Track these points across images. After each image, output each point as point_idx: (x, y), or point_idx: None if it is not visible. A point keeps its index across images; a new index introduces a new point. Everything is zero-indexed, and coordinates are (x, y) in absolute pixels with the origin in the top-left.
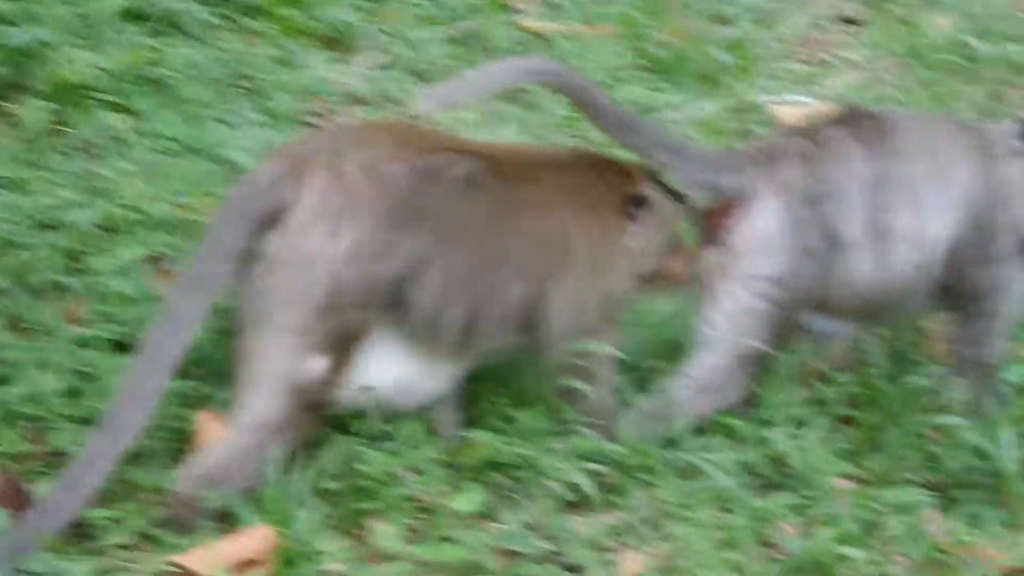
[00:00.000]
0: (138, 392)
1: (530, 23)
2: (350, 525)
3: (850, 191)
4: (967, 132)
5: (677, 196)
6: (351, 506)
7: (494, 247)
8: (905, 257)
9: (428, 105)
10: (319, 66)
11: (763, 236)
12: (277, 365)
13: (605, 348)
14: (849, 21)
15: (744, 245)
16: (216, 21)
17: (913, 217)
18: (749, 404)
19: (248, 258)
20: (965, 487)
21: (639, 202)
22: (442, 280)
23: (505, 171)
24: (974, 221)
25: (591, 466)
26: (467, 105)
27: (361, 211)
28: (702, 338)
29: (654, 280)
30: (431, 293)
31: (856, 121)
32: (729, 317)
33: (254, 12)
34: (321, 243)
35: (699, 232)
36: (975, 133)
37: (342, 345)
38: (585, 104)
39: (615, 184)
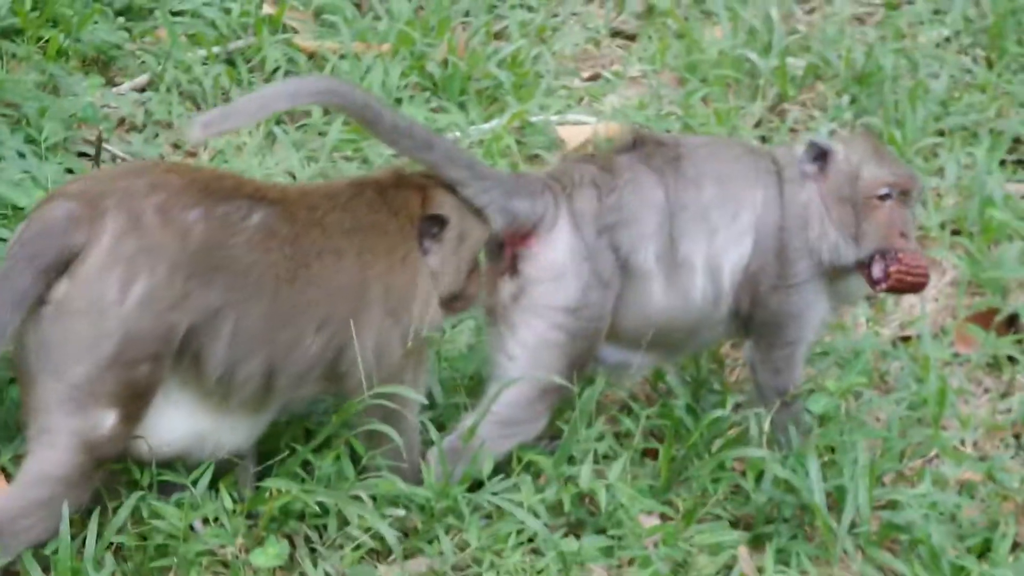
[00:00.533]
0: None
1: (304, 42)
2: None
3: (643, 219)
4: (759, 156)
5: (477, 212)
6: (145, 563)
7: (289, 298)
8: (700, 285)
9: (201, 133)
10: (85, 91)
11: (556, 265)
12: (65, 419)
13: (410, 392)
14: (624, 35)
15: (538, 274)
16: None
17: (707, 245)
18: (551, 438)
19: (36, 303)
20: (773, 521)
21: (436, 222)
22: (236, 332)
23: (297, 216)
24: (768, 247)
25: (395, 512)
26: (240, 129)
27: (157, 258)
28: (501, 371)
29: (455, 301)
30: (225, 345)
31: (647, 147)
32: (527, 348)
33: (14, 34)
34: (114, 291)
35: (492, 261)
36: (767, 157)
37: (132, 398)
38: (369, 122)
39: (407, 209)
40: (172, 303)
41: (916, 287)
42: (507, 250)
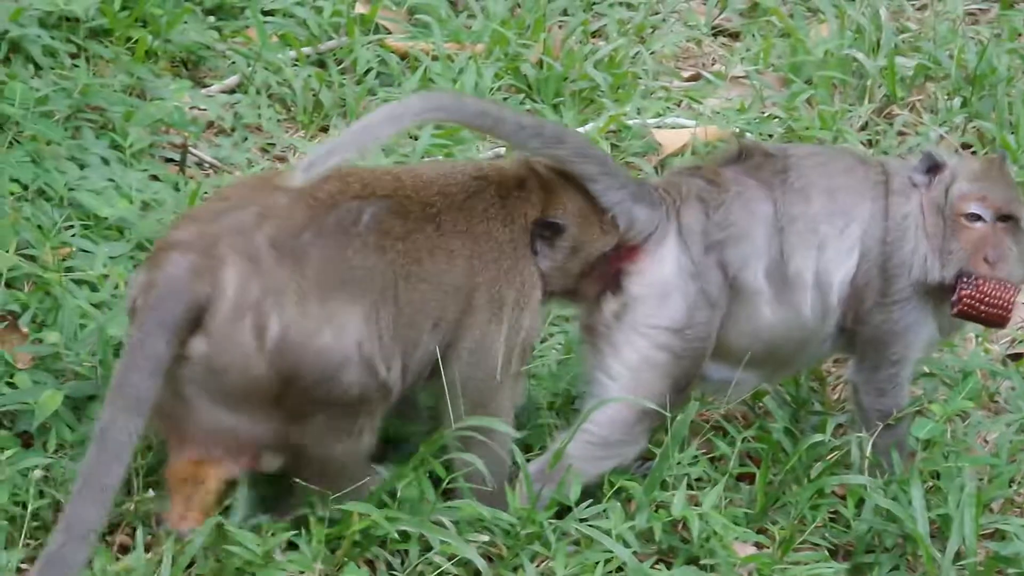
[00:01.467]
0: (78, 529)
1: (396, 43)
2: None
3: (752, 235)
4: (868, 166)
5: (601, 221)
6: None
7: (406, 295)
8: (810, 301)
9: (304, 177)
10: (172, 94)
11: (663, 283)
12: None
13: (500, 422)
14: (726, 34)
15: (643, 292)
16: (61, 47)
17: (816, 259)
18: (643, 461)
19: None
20: (874, 551)
21: (551, 228)
22: (380, 337)
23: (409, 211)
24: (873, 261)
25: (479, 537)
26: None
27: (282, 296)
28: (599, 390)
29: (568, 296)
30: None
31: (754, 158)
32: (628, 368)
33: (102, 36)
34: (250, 339)
35: (600, 277)
36: (876, 168)
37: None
38: (490, 128)
39: (524, 215)
40: (310, 332)
41: (991, 320)
42: (611, 266)
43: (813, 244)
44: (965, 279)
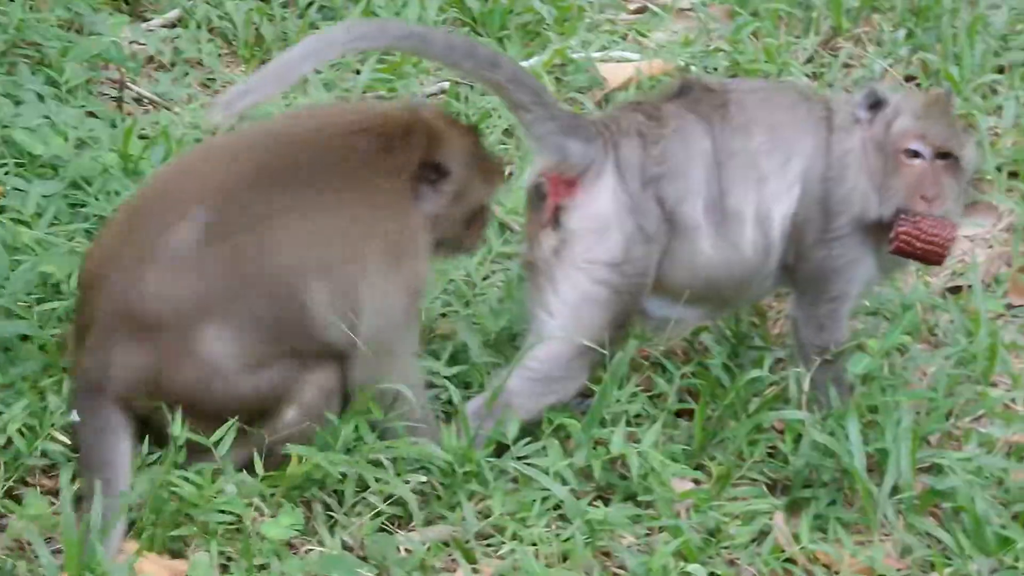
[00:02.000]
0: None
1: None
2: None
3: (691, 171)
4: (811, 102)
5: (490, 168)
6: (161, 531)
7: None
8: (750, 237)
9: (224, 115)
10: (110, 29)
11: (600, 217)
12: None
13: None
14: None
15: (581, 227)
16: None
17: (756, 194)
18: (582, 398)
19: None
20: (811, 486)
21: (436, 171)
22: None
23: (281, 180)
24: (814, 197)
25: (416, 477)
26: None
27: None
28: (539, 327)
29: (451, 248)
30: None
31: (696, 94)
32: (567, 304)
33: None
34: None
35: (534, 212)
36: (820, 104)
37: None
38: (419, 50)
39: (409, 163)
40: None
41: (927, 257)
42: (550, 201)
43: (753, 179)
44: (903, 216)
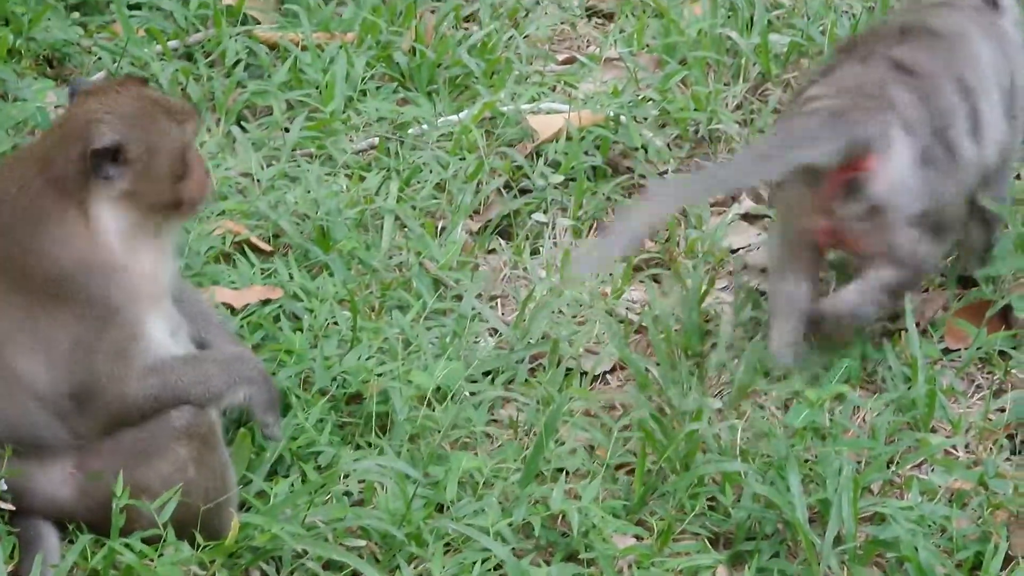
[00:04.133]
0: None
1: (265, 33)
2: None
3: (956, 108)
4: (988, 18)
5: (166, 102)
6: None
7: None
8: (992, 150)
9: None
10: (35, 94)
11: (901, 176)
12: None
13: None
14: (600, 15)
15: (888, 189)
16: None
17: (991, 109)
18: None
19: None
20: (754, 538)
21: (105, 154)
22: None
23: None
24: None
25: (354, 542)
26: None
27: None
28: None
29: (176, 208)
30: None
31: (916, 36)
32: (898, 247)
33: None
34: None
35: (814, 187)
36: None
37: None
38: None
39: (65, 151)
40: None
41: None
42: (835, 177)
43: (987, 97)
44: None
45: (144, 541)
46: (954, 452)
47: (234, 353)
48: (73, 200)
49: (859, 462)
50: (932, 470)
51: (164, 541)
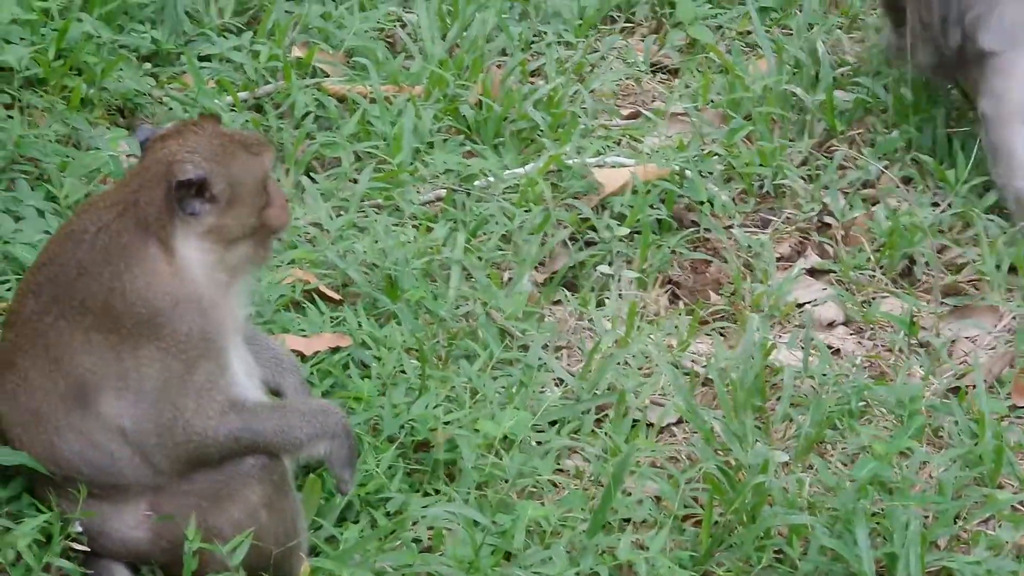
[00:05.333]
0: None
1: (333, 86)
2: None
3: None
4: None
5: (240, 136)
6: None
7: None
8: None
9: None
10: (108, 143)
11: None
12: None
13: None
14: (666, 71)
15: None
16: None
17: None
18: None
19: None
20: None
21: (190, 190)
22: None
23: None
24: None
25: None
26: None
27: None
28: None
29: (259, 238)
30: None
31: None
32: None
33: (36, 85)
34: None
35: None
36: None
37: None
38: None
39: (150, 192)
40: None
41: None
42: None
43: None
44: None
45: None
46: (1022, 508)
47: (319, 405)
48: (156, 238)
49: (926, 516)
50: (1000, 525)
51: None
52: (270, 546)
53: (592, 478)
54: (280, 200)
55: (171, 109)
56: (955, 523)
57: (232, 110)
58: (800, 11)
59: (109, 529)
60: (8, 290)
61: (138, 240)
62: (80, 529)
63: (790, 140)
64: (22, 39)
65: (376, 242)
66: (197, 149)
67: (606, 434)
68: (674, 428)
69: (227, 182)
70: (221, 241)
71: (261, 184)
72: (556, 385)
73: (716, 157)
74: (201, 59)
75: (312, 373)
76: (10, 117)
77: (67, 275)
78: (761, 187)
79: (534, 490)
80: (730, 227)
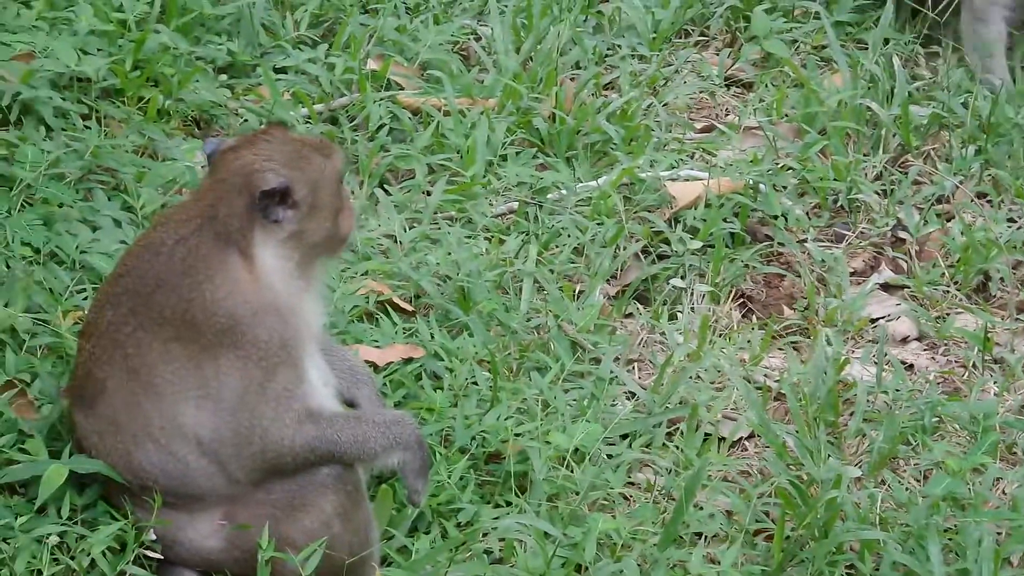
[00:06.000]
0: None
1: (408, 99)
2: None
3: None
4: None
5: (312, 142)
6: None
7: None
8: None
9: None
10: (184, 154)
11: None
12: None
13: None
14: (740, 84)
15: None
16: (73, 108)
17: None
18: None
19: None
20: None
21: (274, 197)
22: None
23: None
24: None
25: None
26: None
27: None
28: None
29: (335, 242)
30: None
31: None
32: None
33: (114, 96)
34: None
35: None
36: None
37: None
38: None
39: (230, 204)
40: None
41: None
42: None
43: None
44: None
45: None
46: None
47: (393, 416)
48: (236, 248)
49: (999, 533)
50: None
51: None
52: (343, 555)
53: (663, 491)
54: (350, 204)
55: (246, 121)
56: None
57: (307, 122)
58: (876, 25)
59: (183, 538)
60: (85, 299)
61: (218, 251)
62: (154, 537)
63: (864, 155)
64: (100, 50)
65: (449, 254)
66: (274, 157)
67: (678, 448)
68: (746, 442)
69: (308, 187)
70: (299, 247)
71: (337, 187)
72: (628, 398)
73: (790, 171)
74: (277, 71)
75: (385, 384)
76: (87, 128)
77: (145, 287)
78: (835, 201)
79: (605, 503)
80: (804, 241)
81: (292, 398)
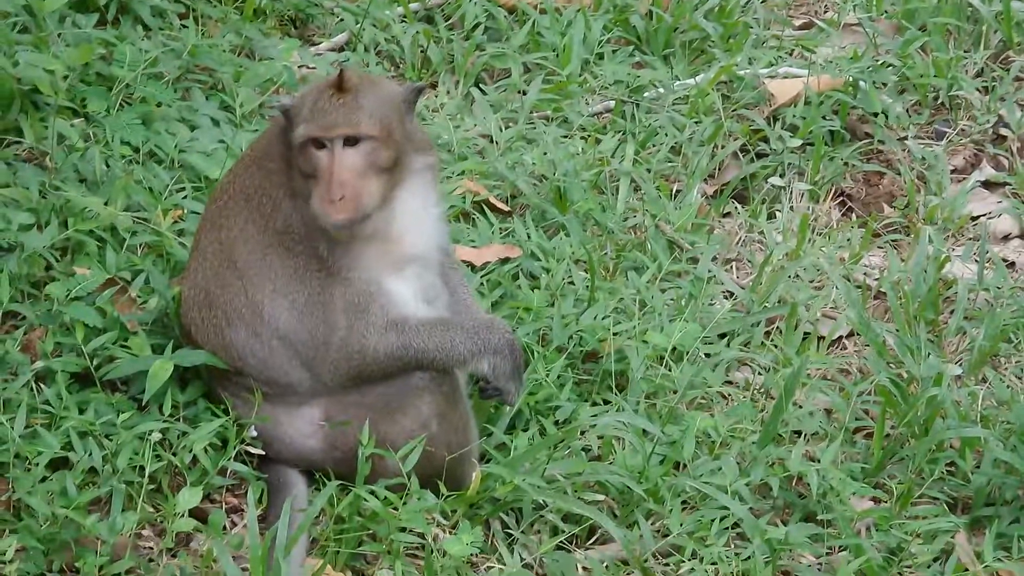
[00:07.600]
0: None
1: None
2: (347, 570)
3: None
4: None
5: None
6: (348, 550)
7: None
8: None
9: None
10: (281, 53)
11: None
12: None
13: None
14: None
15: None
16: (170, 7)
17: None
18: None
19: None
20: (994, 504)
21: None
22: None
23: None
24: None
25: (593, 496)
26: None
27: None
28: None
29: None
30: None
31: None
32: None
33: None
34: None
35: None
36: None
37: None
38: None
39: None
40: None
41: None
42: None
43: None
44: None
45: (389, 490)
46: None
47: (483, 321)
48: None
49: None
50: None
51: (408, 491)
52: (442, 453)
53: (762, 390)
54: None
55: (342, 20)
56: None
57: (403, 21)
58: None
59: (283, 435)
60: (184, 198)
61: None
62: (255, 434)
63: (965, 51)
64: None
65: (545, 153)
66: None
67: (776, 346)
68: (845, 341)
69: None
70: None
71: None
72: (726, 297)
73: (890, 68)
74: None
75: (482, 284)
76: (185, 27)
77: (243, 164)
78: (936, 98)
79: (703, 401)
80: (904, 139)
81: (368, 311)
